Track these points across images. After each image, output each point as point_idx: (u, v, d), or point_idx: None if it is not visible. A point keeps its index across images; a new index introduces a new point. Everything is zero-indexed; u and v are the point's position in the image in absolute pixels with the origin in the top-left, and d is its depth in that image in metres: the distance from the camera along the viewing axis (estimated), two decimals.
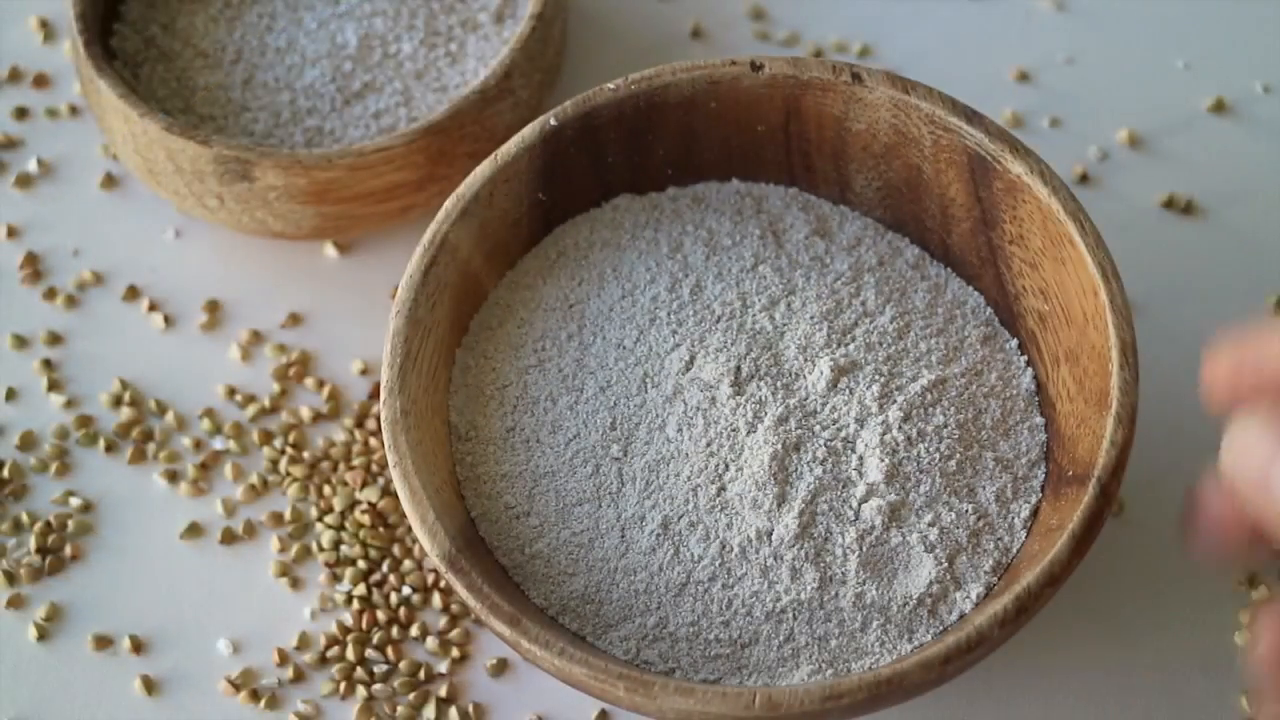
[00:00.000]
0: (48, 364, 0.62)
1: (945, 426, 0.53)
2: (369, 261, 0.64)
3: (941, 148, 0.55)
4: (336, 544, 0.59)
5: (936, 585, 0.51)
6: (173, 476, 0.60)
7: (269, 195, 0.60)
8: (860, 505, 0.52)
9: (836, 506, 0.52)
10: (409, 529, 0.59)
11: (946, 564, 0.51)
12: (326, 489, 0.60)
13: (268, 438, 0.61)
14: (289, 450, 0.61)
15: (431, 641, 0.57)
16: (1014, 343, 0.56)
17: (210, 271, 0.64)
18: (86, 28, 0.62)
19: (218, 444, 0.61)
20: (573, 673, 0.49)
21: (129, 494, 0.60)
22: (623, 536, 0.52)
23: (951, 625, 0.51)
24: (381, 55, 0.64)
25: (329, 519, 0.59)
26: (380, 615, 0.58)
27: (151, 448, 0.61)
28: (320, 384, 0.62)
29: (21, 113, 0.67)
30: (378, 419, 0.58)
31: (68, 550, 0.59)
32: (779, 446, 0.52)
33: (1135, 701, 0.56)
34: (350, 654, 0.57)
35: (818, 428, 0.53)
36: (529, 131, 0.55)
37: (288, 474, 0.60)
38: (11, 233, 0.65)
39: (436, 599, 0.58)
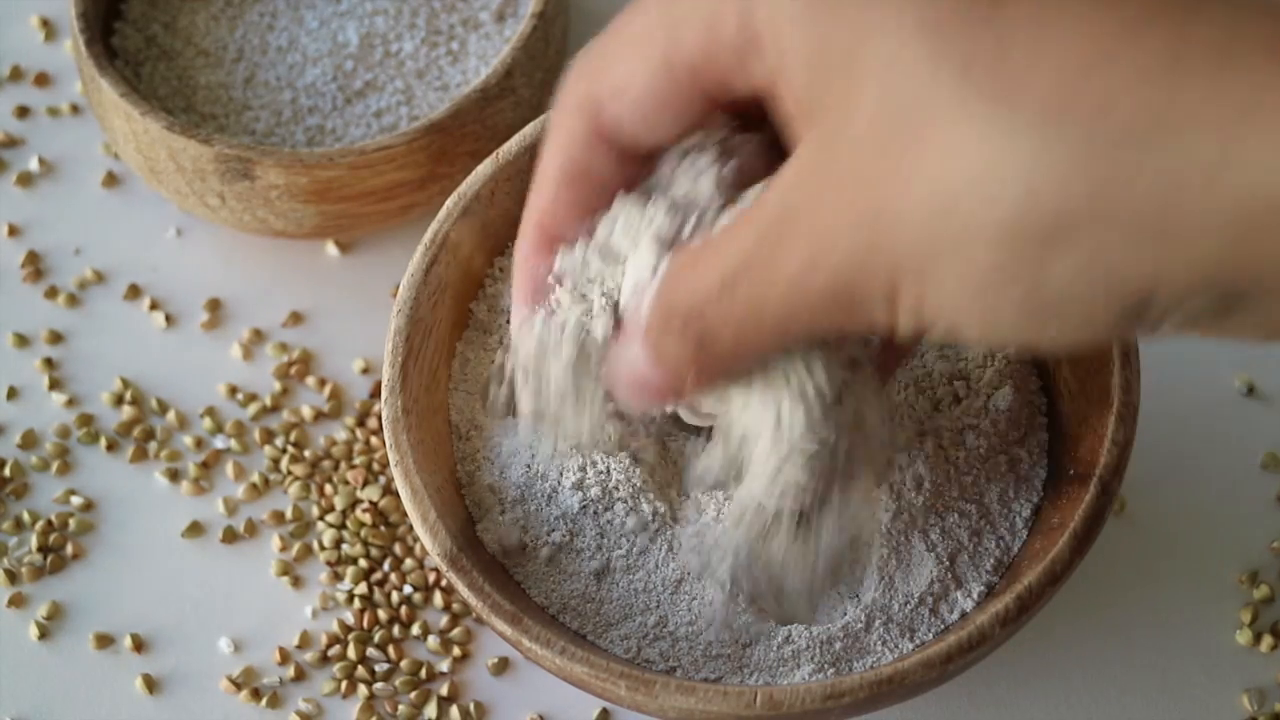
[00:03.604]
0: (49, 363, 0.62)
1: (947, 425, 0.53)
2: (370, 260, 0.64)
3: None
4: (338, 543, 0.59)
5: (938, 584, 0.51)
6: (174, 475, 0.60)
7: (270, 194, 0.60)
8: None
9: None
10: (410, 528, 0.59)
11: (948, 563, 0.51)
12: (328, 488, 0.60)
13: (269, 436, 0.61)
14: (290, 449, 0.61)
15: (433, 640, 0.57)
16: None
17: (211, 270, 0.64)
18: (88, 26, 0.62)
19: (219, 443, 0.61)
20: (574, 671, 0.49)
21: (130, 493, 0.60)
22: None
23: (953, 624, 0.51)
24: (383, 54, 0.64)
25: (330, 518, 0.59)
26: (381, 614, 0.58)
27: (153, 446, 0.61)
28: (321, 383, 0.62)
29: (23, 111, 0.67)
30: (379, 418, 0.58)
31: (69, 549, 0.59)
32: None
33: (1135, 701, 0.56)
34: (351, 653, 0.57)
35: None
36: (530, 130, 0.55)
37: (289, 473, 0.60)
38: (13, 231, 0.65)
39: (438, 598, 0.58)
